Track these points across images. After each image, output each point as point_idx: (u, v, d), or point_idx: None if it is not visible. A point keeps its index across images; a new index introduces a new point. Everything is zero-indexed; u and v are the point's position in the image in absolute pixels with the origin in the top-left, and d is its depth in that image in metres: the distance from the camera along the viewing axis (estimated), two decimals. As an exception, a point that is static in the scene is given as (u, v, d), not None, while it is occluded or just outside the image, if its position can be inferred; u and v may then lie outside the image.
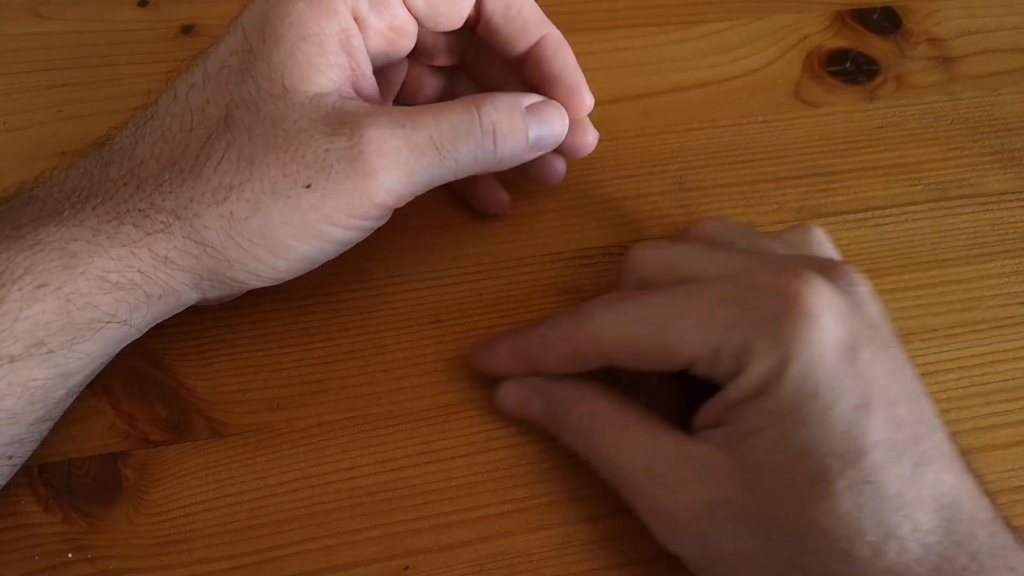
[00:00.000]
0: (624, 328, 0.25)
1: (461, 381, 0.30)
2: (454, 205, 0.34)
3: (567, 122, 0.29)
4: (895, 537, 0.21)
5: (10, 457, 0.26)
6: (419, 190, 0.26)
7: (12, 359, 0.24)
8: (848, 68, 0.39)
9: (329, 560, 0.27)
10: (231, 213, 0.25)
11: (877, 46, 0.40)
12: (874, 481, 0.22)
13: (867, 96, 0.38)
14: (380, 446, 0.29)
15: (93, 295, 0.24)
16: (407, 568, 0.27)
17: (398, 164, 0.25)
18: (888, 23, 0.41)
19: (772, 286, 0.23)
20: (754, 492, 0.23)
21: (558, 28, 0.29)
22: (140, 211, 0.25)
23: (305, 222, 0.25)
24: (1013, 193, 0.36)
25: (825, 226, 0.34)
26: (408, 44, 0.29)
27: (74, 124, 0.36)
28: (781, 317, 0.23)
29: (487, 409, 0.30)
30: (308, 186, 0.24)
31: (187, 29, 0.39)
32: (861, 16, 0.41)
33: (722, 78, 0.39)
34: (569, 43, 0.29)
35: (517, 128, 0.27)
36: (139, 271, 0.25)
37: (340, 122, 0.25)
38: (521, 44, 0.29)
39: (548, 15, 0.29)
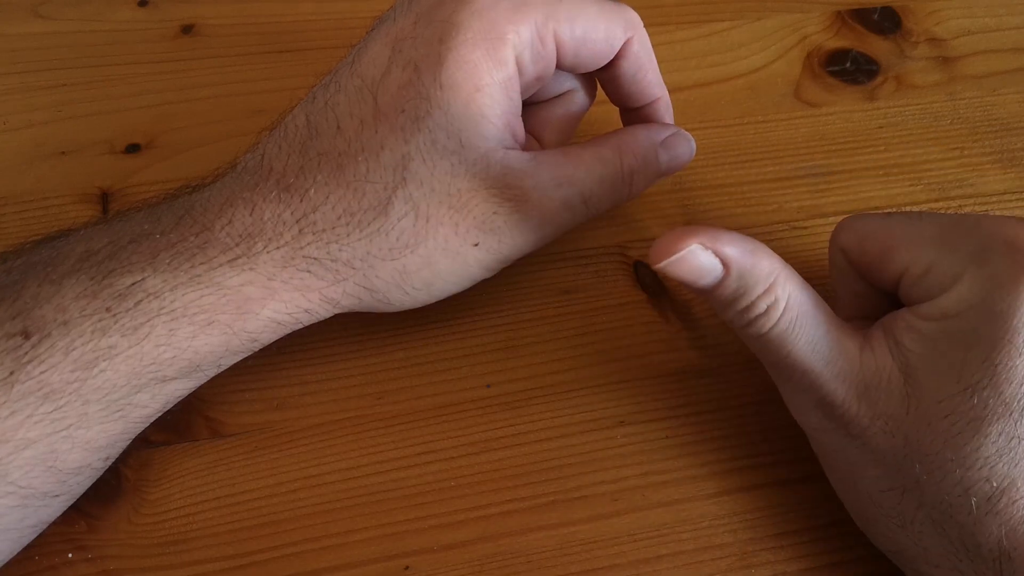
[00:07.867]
0: (860, 229, 0.27)
1: (461, 381, 0.30)
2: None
3: (694, 148, 0.30)
4: (1013, 492, 0.22)
5: (106, 459, 0.26)
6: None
7: (164, 380, 0.25)
8: (848, 68, 0.39)
9: (329, 560, 0.27)
10: (404, 267, 0.26)
11: (877, 46, 0.40)
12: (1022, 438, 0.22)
13: (867, 96, 0.38)
14: (380, 446, 0.29)
15: (259, 332, 0.26)
16: (407, 568, 0.27)
17: (554, 221, 0.27)
18: (888, 23, 0.41)
19: (997, 231, 0.24)
20: (912, 412, 0.24)
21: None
22: (315, 259, 0.25)
23: (467, 273, 0.27)
24: (1013, 193, 0.36)
25: (825, 226, 0.34)
26: (538, 88, 0.29)
27: (74, 124, 0.36)
28: (1003, 256, 0.23)
29: (487, 409, 0.30)
30: (476, 244, 0.26)
31: (187, 29, 0.39)
32: (861, 16, 0.41)
33: (722, 78, 0.39)
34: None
35: (651, 167, 0.29)
36: (306, 311, 0.26)
37: (507, 184, 0.26)
38: (634, 103, 0.30)
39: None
